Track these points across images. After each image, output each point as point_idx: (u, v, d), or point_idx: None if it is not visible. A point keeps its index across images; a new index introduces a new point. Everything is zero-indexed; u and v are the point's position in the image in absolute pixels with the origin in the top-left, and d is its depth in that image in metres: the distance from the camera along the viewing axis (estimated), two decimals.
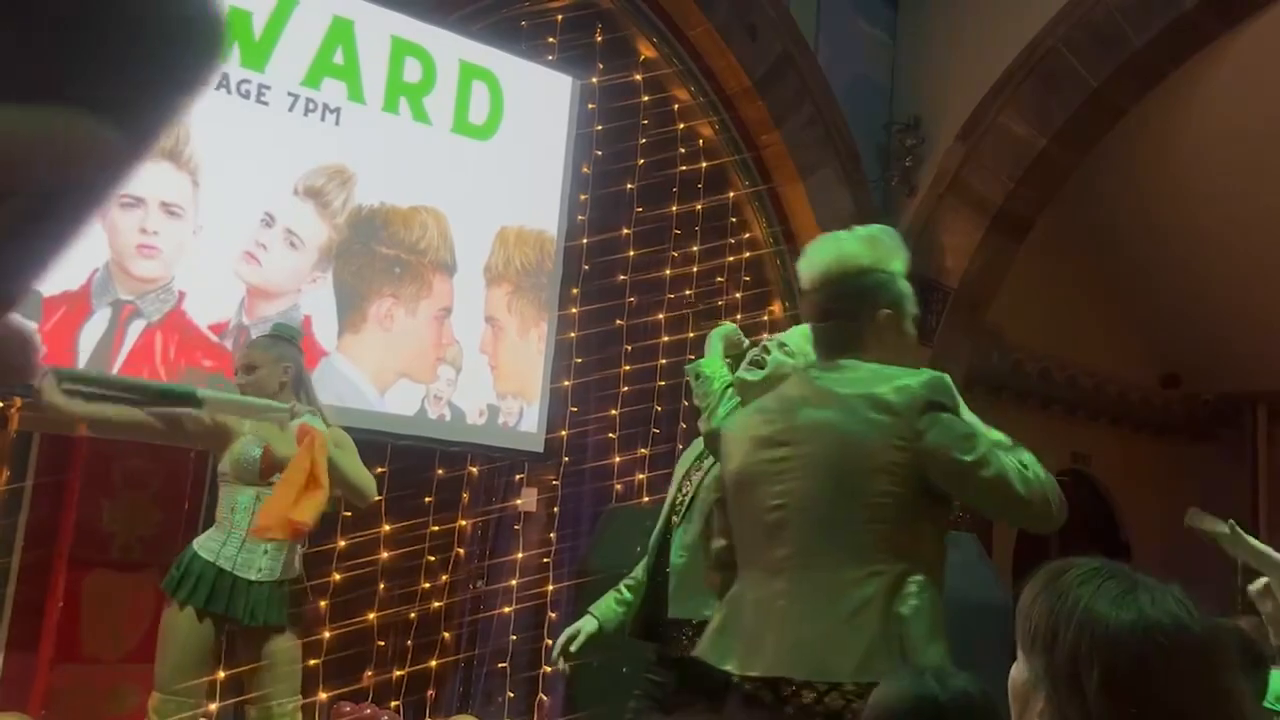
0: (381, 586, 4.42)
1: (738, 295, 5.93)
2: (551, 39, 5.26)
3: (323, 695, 4.07)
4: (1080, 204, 6.62)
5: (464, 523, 4.75)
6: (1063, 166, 6.22)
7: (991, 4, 6.10)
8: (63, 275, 3.60)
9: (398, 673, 4.44)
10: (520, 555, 4.89)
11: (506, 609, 4.81)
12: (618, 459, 5.23)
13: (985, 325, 6.65)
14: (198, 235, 3.86)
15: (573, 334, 4.99)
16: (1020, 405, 7.30)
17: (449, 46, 4.52)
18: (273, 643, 3.03)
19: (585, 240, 5.09)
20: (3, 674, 3.66)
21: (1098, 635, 0.99)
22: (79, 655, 3.74)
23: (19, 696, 3.62)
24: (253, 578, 2.98)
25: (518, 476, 5.02)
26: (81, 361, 3.62)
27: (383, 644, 4.46)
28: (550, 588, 4.91)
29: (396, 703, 4.39)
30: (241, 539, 2.99)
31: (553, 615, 4.87)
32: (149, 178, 3.76)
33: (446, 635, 4.71)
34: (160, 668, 2.95)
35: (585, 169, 5.13)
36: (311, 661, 3.72)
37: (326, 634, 4.07)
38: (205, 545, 3.01)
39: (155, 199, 3.77)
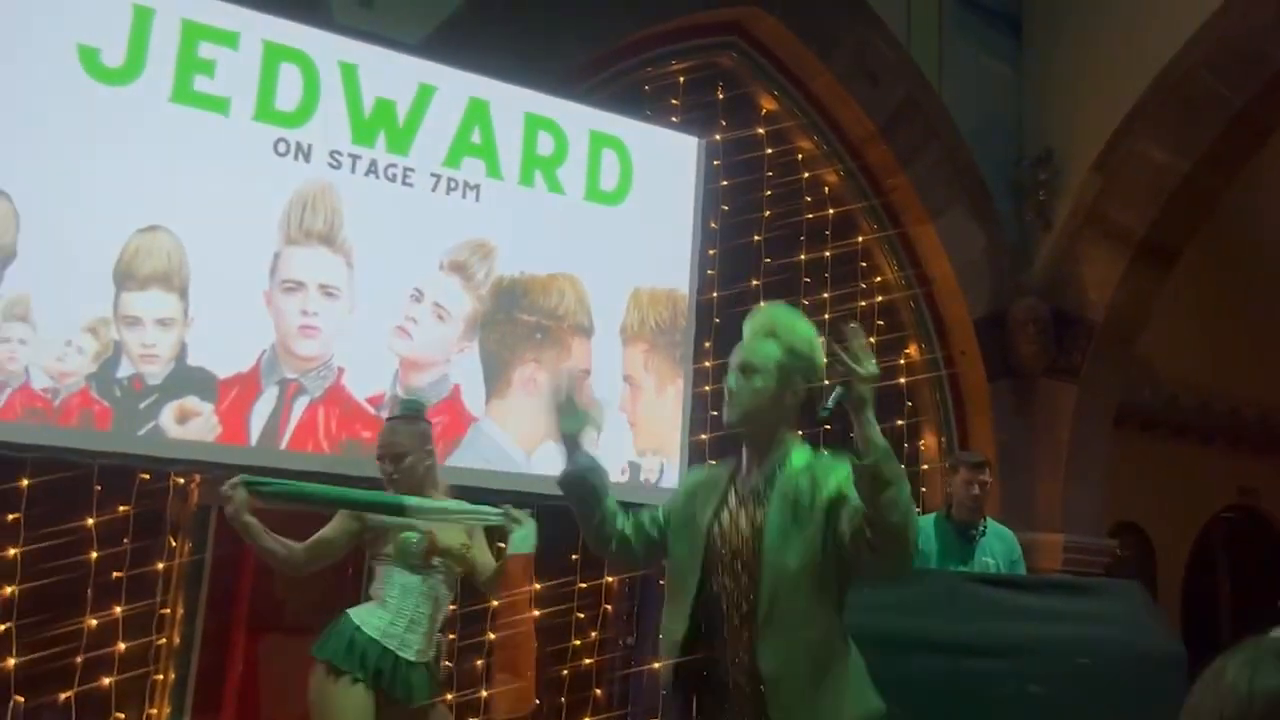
0: (533, 645, 4.52)
1: (872, 340, 5.88)
2: (674, 100, 5.39)
3: None
4: (1232, 228, 6.34)
5: (611, 579, 4.81)
6: (1208, 191, 5.98)
7: (1121, 30, 5.95)
8: (235, 358, 3.87)
9: None
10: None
11: (657, 664, 4.84)
12: None
13: (1135, 359, 6.40)
14: (353, 313, 4.09)
15: (708, 388, 5.05)
16: (1177, 440, 6.97)
17: (578, 118, 4.68)
18: (430, 716, 3.10)
19: (716, 295, 5.15)
20: None
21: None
22: (258, 718, 3.94)
23: None
24: (412, 658, 3.03)
25: None
26: (254, 437, 3.87)
27: (537, 702, 4.54)
28: None
29: None
30: (408, 621, 3.04)
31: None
32: (308, 262, 4.02)
33: (599, 692, 4.77)
34: None
35: (713, 225, 5.21)
36: None
37: (484, 693, 4.17)
38: (368, 621, 3.03)
39: (314, 282, 4.02)
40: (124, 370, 3.69)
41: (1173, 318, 6.45)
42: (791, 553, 2.07)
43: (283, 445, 3.91)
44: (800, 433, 2.26)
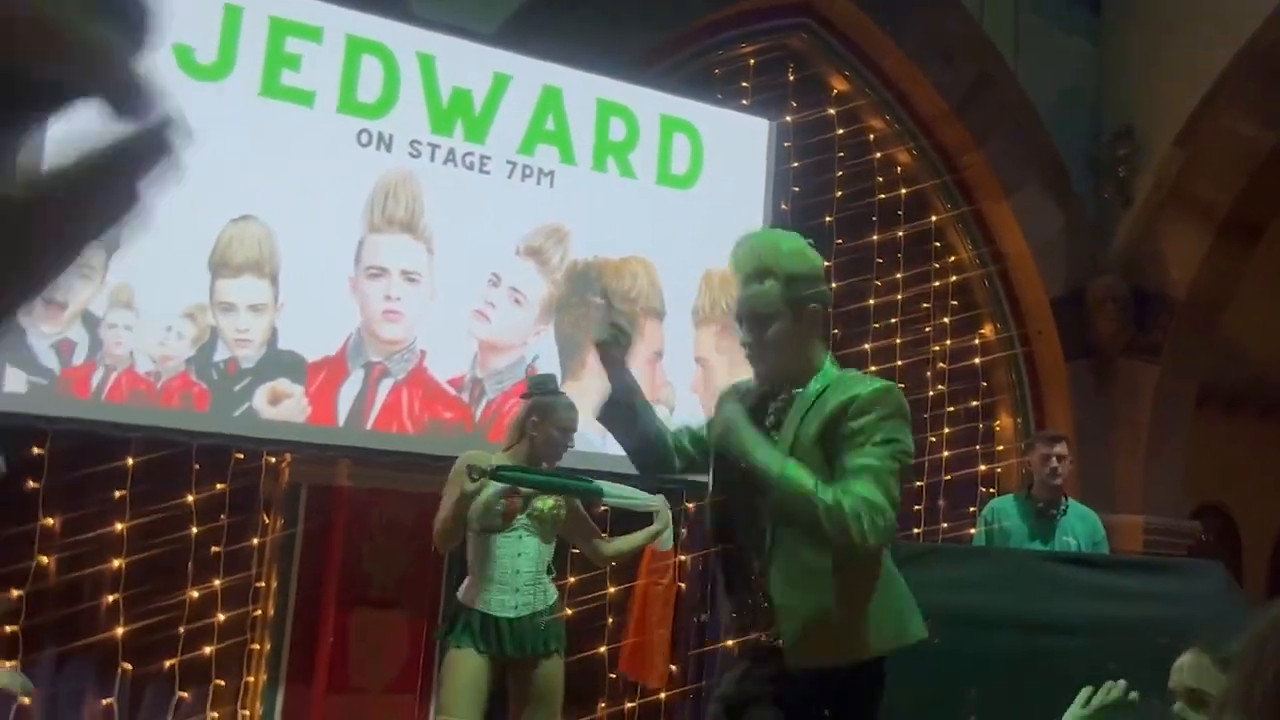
0: (610, 620, 4.62)
1: (946, 320, 5.85)
2: (745, 83, 5.41)
3: None
4: None
5: (683, 558, 4.89)
6: None
7: (1204, 1, 5.80)
8: (323, 341, 4.02)
9: (629, 704, 4.62)
10: None
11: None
12: None
13: (1219, 338, 6.26)
14: (434, 298, 4.22)
15: None
16: (1264, 421, 6.80)
17: (650, 103, 4.74)
18: (541, 668, 3.31)
19: None
20: (284, 704, 4.07)
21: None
22: (348, 686, 4.12)
23: None
24: (511, 616, 3.25)
25: None
26: (341, 418, 4.03)
27: (614, 676, 4.65)
28: None
29: None
30: (497, 582, 3.27)
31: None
32: (391, 249, 4.16)
33: (674, 668, 4.85)
34: (444, 697, 3.25)
35: (784, 206, 5.23)
36: None
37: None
38: (466, 593, 3.31)
39: (397, 268, 4.16)
40: (220, 354, 3.87)
41: (1259, 295, 6.29)
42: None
43: (369, 425, 4.06)
44: (827, 350, 2.17)
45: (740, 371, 4.88)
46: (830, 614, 2.03)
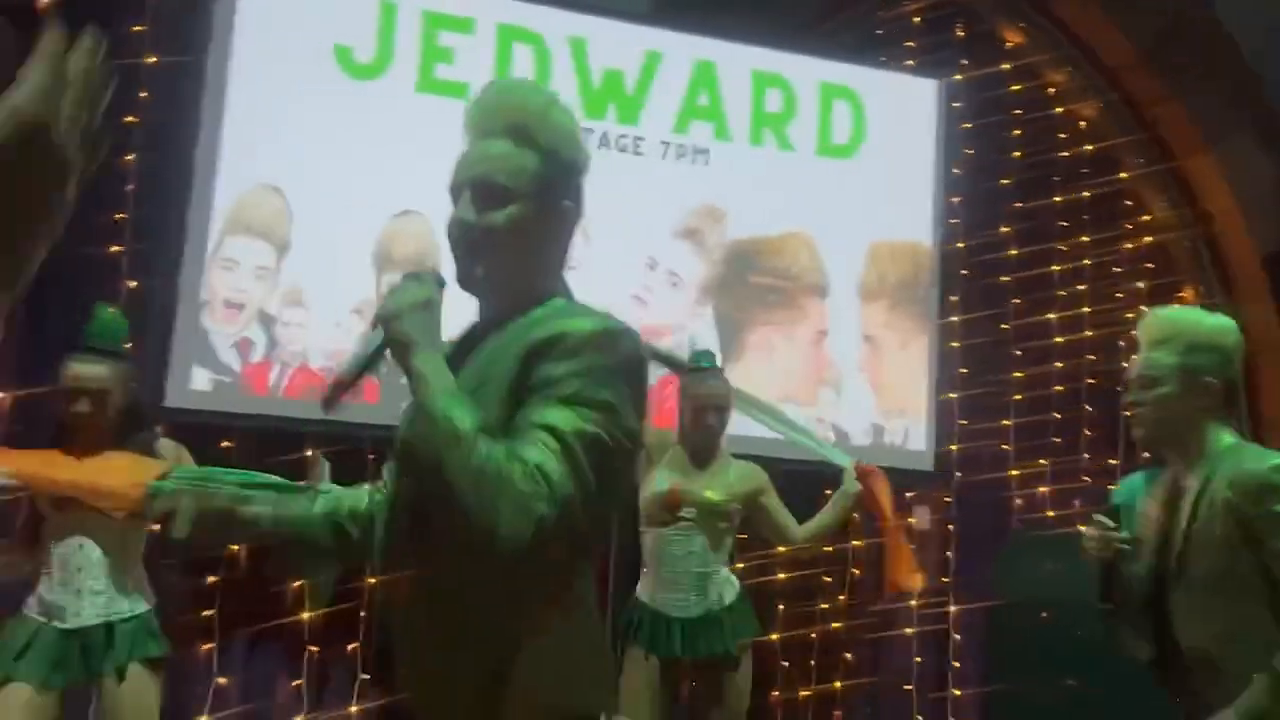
0: (781, 607, 4.51)
1: (1140, 285, 5.40)
2: (910, 43, 5.13)
3: None
4: None
5: (858, 543, 4.71)
6: None
7: None
8: None
9: (803, 693, 4.49)
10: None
11: (908, 630, 4.72)
12: (1015, 472, 4.95)
13: None
14: (592, 284, 4.17)
15: (955, 344, 4.81)
16: None
17: (808, 70, 4.55)
18: (720, 671, 3.15)
19: (962, 245, 4.89)
20: None
21: None
22: None
23: None
24: (682, 615, 3.12)
25: (908, 494, 4.91)
26: None
27: (787, 664, 4.54)
28: (953, 609, 4.75)
29: None
30: (659, 579, 3.16)
31: (957, 637, 4.71)
32: None
33: (849, 656, 4.70)
34: (621, 699, 3.15)
35: (955, 170, 4.93)
36: None
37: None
38: (641, 591, 3.22)
39: None
40: None
41: None
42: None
43: None
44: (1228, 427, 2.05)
45: (910, 349, 4.67)
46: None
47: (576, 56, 4.25)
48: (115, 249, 3.79)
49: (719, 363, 3.44)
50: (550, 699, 1.32)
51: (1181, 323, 2.07)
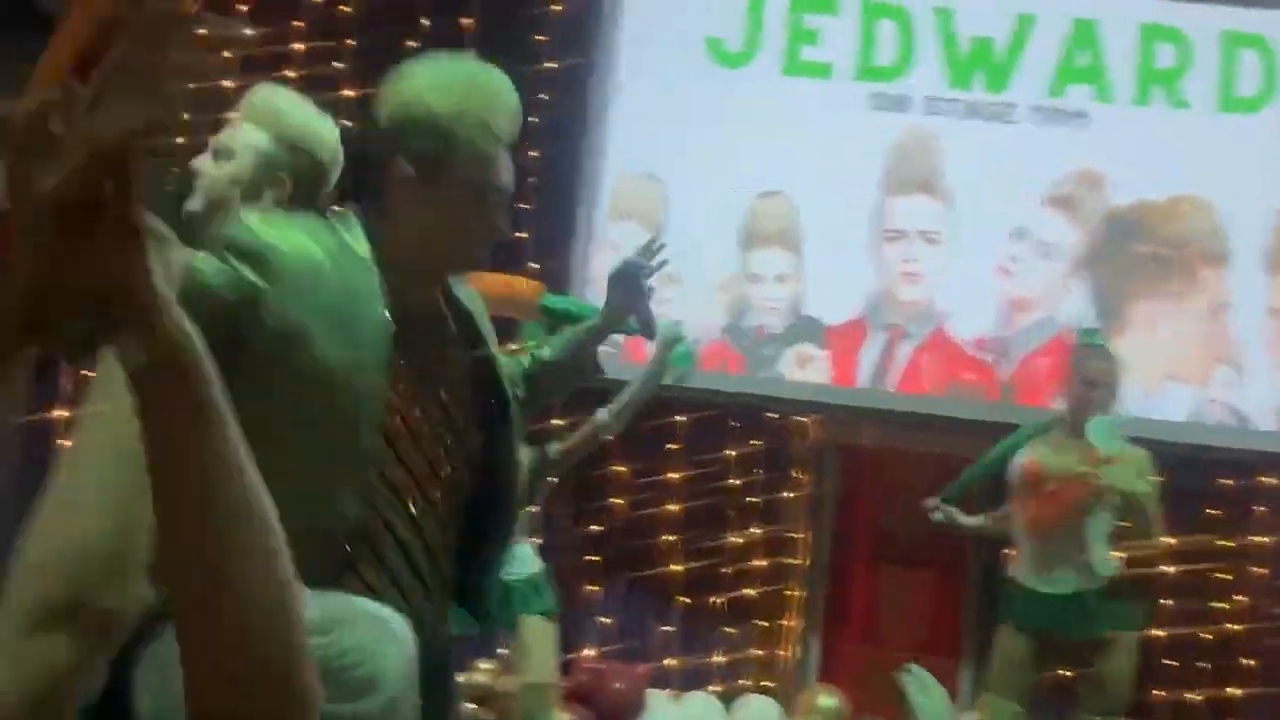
0: (1169, 602, 4.18)
1: None
2: None
3: None
4: None
5: (1262, 539, 4.25)
6: None
7: None
8: (843, 306, 4.16)
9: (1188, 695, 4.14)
10: None
11: None
12: None
13: None
14: (954, 257, 4.13)
15: None
16: None
17: (1206, 19, 4.15)
18: (1097, 654, 3.08)
19: None
20: (821, 651, 4.30)
21: None
22: (880, 640, 4.23)
23: (831, 677, 4.22)
24: (1051, 591, 3.06)
25: None
26: (862, 380, 4.14)
27: (1176, 664, 4.20)
28: None
29: None
30: (1037, 554, 3.11)
31: None
32: (908, 211, 4.16)
33: (1250, 662, 4.25)
34: (990, 672, 3.23)
35: None
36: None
37: None
38: (1013, 566, 3.22)
39: (915, 229, 4.15)
40: (749, 321, 4.19)
41: None
42: None
43: (889, 387, 4.12)
44: None
45: None
46: None
47: (942, 27, 4.20)
48: (520, 235, 4.34)
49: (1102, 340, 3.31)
50: None
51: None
